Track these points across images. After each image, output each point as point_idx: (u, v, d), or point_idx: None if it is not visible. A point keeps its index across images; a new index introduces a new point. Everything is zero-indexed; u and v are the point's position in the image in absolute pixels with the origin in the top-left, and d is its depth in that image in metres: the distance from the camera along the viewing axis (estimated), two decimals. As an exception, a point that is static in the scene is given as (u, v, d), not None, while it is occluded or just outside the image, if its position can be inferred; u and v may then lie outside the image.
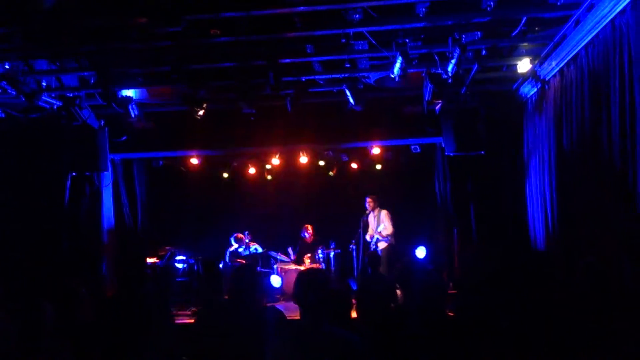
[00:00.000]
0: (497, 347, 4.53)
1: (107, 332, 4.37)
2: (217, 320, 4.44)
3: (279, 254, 12.42)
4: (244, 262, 11.44)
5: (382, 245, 11.57)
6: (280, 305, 9.95)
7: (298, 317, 3.66)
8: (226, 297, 5.21)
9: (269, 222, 13.94)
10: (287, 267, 12.08)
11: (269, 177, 13.60)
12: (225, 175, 13.54)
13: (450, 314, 4.84)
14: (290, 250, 12.60)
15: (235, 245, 11.91)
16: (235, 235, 11.97)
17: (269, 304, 6.14)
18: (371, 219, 11.93)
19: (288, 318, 4.63)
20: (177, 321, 6.39)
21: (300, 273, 3.84)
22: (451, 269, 11.09)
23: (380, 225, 11.61)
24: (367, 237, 11.76)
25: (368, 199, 11.92)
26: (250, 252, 12.06)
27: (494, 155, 9.78)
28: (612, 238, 6.13)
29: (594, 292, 4.97)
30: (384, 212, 11.79)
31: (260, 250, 12.20)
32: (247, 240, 12.04)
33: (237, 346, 4.21)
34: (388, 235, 11.55)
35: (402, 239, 12.02)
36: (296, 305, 3.64)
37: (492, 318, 4.93)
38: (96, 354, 4.32)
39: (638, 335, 4.41)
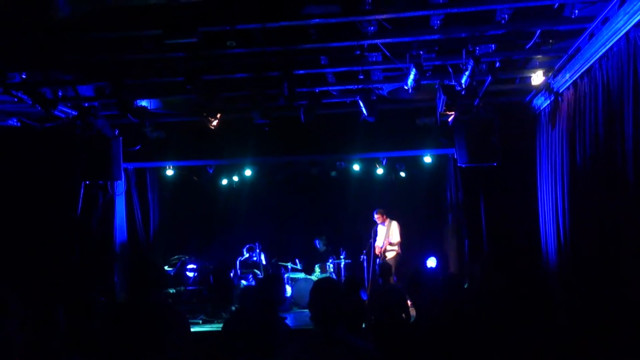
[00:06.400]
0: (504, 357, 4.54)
1: (117, 340, 4.37)
2: (233, 329, 4.47)
3: (290, 263, 12.45)
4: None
5: (390, 255, 11.75)
6: (290, 315, 9.99)
7: (306, 327, 3.67)
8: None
9: (280, 231, 14.03)
10: (297, 276, 12.11)
11: (280, 186, 13.63)
12: (237, 184, 13.58)
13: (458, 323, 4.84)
14: (297, 260, 12.63)
15: (246, 255, 11.95)
16: (248, 245, 12.02)
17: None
18: (380, 230, 12.04)
19: (297, 328, 4.65)
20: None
21: (316, 282, 3.85)
22: (461, 279, 11.06)
23: (390, 235, 11.78)
24: (376, 250, 11.83)
25: (376, 214, 12.01)
26: (259, 260, 12.07)
27: (507, 167, 9.77)
28: (626, 251, 6.10)
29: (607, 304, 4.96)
30: (394, 223, 11.93)
31: (264, 262, 12.23)
32: (257, 250, 12.08)
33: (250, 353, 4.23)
34: (395, 243, 11.73)
35: (413, 249, 12.07)
36: (306, 315, 3.66)
37: (500, 328, 4.94)
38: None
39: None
